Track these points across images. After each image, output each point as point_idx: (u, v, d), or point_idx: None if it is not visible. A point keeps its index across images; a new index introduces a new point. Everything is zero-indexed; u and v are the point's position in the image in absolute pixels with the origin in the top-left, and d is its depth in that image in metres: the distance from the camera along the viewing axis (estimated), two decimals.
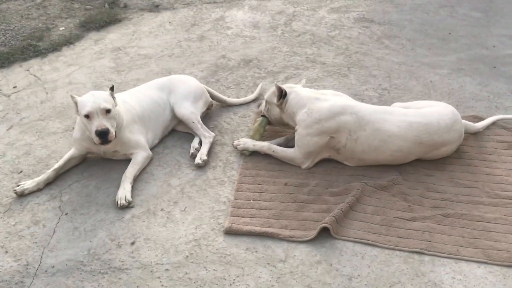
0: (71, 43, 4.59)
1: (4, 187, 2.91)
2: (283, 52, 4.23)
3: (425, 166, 2.87)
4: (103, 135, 2.72)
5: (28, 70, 4.18)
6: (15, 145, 3.26)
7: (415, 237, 2.45)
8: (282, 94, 2.94)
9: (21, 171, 3.02)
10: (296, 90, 2.96)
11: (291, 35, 4.52)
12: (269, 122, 3.14)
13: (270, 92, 3.05)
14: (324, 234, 2.47)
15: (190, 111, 3.19)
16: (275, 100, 2.98)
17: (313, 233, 2.46)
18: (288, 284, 2.25)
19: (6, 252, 2.48)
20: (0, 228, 2.62)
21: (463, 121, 2.97)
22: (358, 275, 2.28)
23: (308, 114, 2.81)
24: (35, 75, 4.09)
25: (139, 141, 2.99)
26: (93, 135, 2.73)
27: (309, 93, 2.93)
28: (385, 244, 2.42)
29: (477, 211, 2.58)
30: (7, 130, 3.42)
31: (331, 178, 2.84)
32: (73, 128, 3.36)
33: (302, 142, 2.85)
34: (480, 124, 3.13)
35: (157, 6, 5.28)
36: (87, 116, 2.73)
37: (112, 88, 2.86)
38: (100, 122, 2.72)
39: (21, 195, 2.81)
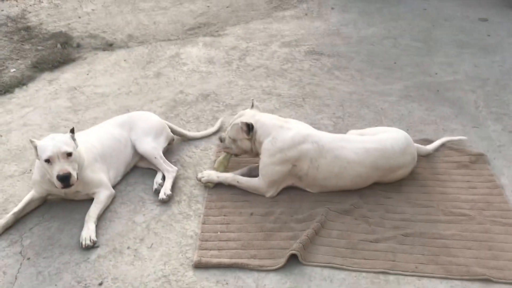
0: (23, 84, 4.51)
1: None
2: (239, 86, 4.34)
3: (383, 189, 3.00)
4: (65, 180, 2.68)
5: None
6: None
7: (379, 257, 2.54)
8: (249, 128, 2.99)
9: None
10: (260, 119, 3.02)
11: (246, 69, 4.65)
12: (233, 155, 3.19)
13: (234, 129, 3.06)
14: (292, 261, 2.52)
15: (152, 147, 3.20)
16: (243, 135, 3.02)
17: (282, 261, 2.51)
18: None
19: None
20: None
21: (415, 144, 3.14)
22: None
23: (272, 143, 2.89)
24: None
25: (101, 180, 2.96)
26: (55, 180, 2.69)
27: (274, 120, 3.00)
28: (352, 267, 2.49)
29: (434, 229, 2.71)
30: None
31: (295, 205, 2.91)
32: (31, 170, 3.31)
33: (266, 171, 2.92)
34: (430, 147, 3.32)
35: (111, 45, 5.30)
36: (47, 161, 2.69)
37: (72, 131, 2.84)
38: (61, 167, 2.68)
39: None
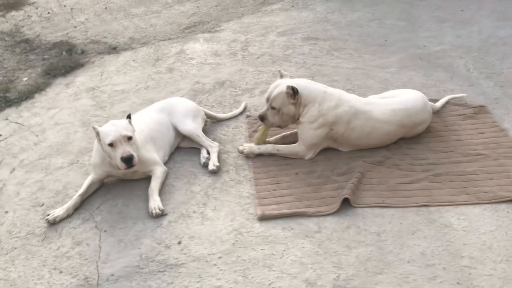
0: (41, 90, 4.69)
1: (32, 220, 2.99)
2: (250, 72, 4.66)
3: (405, 142, 3.39)
4: (128, 161, 2.93)
5: (7, 119, 4.23)
6: (25, 184, 3.34)
7: (418, 195, 2.92)
8: (294, 92, 3.16)
9: (42, 204, 3.12)
10: (300, 83, 3.22)
11: (251, 58, 4.98)
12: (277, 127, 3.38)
13: (280, 97, 3.20)
14: (345, 205, 2.86)
15: (193, 127, 3.48)
16: (289, 101, 3.18)
17: (336, 206, 2.85)
18: (329, 248, 2.60)
19: (61, 272, 2.59)
20: (45, 254, 2.72)
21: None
22: (384, 230, 2.69)
23: (318, 110, 3.17)
24: (16, 122, 4.15)
25: (155, 159, 3.22)
26: (118, 161, 2.94)
27: (314, 84, 3.27)
28: (397, 204, 2.86)
29: (458, 168, 3.11)
30: (10, 172, 3.48)
31: (333, 162, 3.26)
32: (78, 161, 3.53)
33: (306, 135, 3.24)
34: (438, 104, 3.74)
35: (115, 48, 5.52)
36: (110, 145, 2.93)
37: (129, 116, 3.09)
38: (124, 149, 2.93)
39: (53, 223, 2.92)
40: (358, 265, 2.48)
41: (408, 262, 2.48)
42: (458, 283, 2.34)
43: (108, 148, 2.95)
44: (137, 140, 3.08)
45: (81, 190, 3.08)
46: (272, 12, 6.23)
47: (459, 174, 3.05)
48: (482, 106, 3.73)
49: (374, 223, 2.74)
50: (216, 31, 5.79)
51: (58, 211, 2.96)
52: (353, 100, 3.27)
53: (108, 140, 2.93)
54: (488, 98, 3.88)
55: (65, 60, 5.24)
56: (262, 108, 3.99)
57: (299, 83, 3.26)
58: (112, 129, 2.95)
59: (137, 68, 4.99)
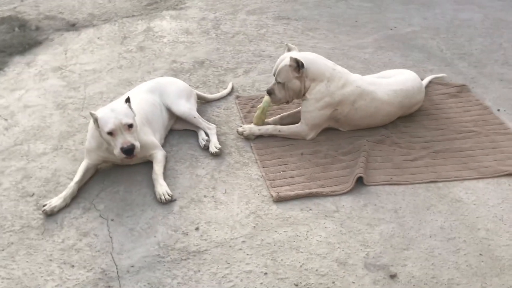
0: None
1: (24, 212, 2.72)
2: (228, 52, 4.52)
3: (400, 120, 3.44)
4: (129, 152, 2.74)
5: None
6: (6, 172, 3.03)
7: (424, 171, 2.99)
8: (299, 65, 3.08)
9: (33, 194, 2.84)
10: (308, 57, 3.13)
11: (226, 37, 4.83)
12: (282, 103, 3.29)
13: (284, 71, 3.11)
14: (356, 184, 2.87)
15: (188, 108, 3.32)
16: (293, 74, 3.08)
17: (349, 185, 2.85)
18: (352, 227, 2.60)
19: (72, 266, 2.39)
20: (49, 248, 2.49)
21: None
22: (400, 207, 2.73)
23: (326, 87, 3.12)
24: None
25: (154, 142, 3.04)
26: (118, 152, 2.74)
27: (323, 60, 3.19)
28: (406, 181, 2.91)
29: (455, 145, 3.22)
30: None
31: (335, 142, 3.25)
32: (62, 146, 3.25)
33: (310, 114, 3.19)
34: (423, 83, 3.84)
35: (74, 25, 5.13)
36: (110, 133, 2.73)
37: (128, 100, 2.87)
38: (124, 139, 2.73)
39: (51, 214, 2.68)
40: (384, 242, 2.51)
41: (430, 237, 2.54)
42: (480, 254, 2.44)
43: (108, 136, 2.74)
44: (137, 126, 2.88)
45: (76, 177, 2.84)
46: None
47: (457, 151, 3.16)
48: (463, 85, 3.89)
49: (389, 201, 2.78)
50: (181, 8, 5.55)
51: (55, 201, 2.71)
52: (359, 80, 3.26)
53: (107, 128, 2.71)
54: (466, 78, 4.05)
55: (19, 37, 4.80)
56: (250, 88, 3.94)
57: (307, 56, 3.18)
58: (112, 115, 2.73)
59: (104, 46, 4.67)
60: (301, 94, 3.22)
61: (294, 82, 3.15)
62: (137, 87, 3.43)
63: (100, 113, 2.75)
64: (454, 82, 3.95)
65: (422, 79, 3.88)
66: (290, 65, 3.10)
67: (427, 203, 2.75)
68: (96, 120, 2.74)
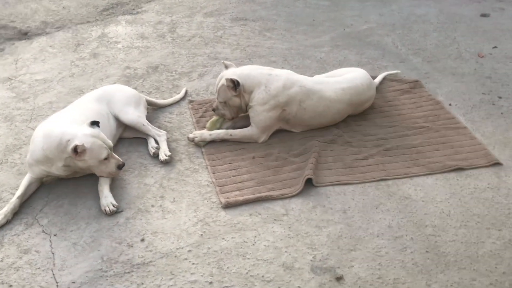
0: None
1: None
2: (183, 55, 4.46)
3: (352, 119, 3.45)
4: (122, 167, 2.82)
5: None
6: None
7: (374, 170, 2.99)
8: (235, 84, 3.13)
9: None
10: (243, 72, 3.19)
11: (182, 40, 4.77)
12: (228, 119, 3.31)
13: (222, 91, 3.16)
14: (307, 186, 2.85)
15: (137, 115, 3.26)
16: (231, 93, 3.14)
17: (299, 187, 2.82)
18: (300, 230, 2.57)
19: (10, 286, 2.30)
20: None
21: None
22: (349, 207, 2.72)
23: (265, 92, 3.12)
24: None
25: None
26: (114, 170, 2.78)
27: (259, 70, 3.22)
28: (356, 180, 2.90)
29: (406, 141, 3.23)
30: None
31: (287, 144, 3.23)
32: (7, 160, 3.17)
33: (259, 118, 3.17)
34: (376, 80, 3.84)
35: (26, 33, 5.00)
36: (105, 159, 2.72)
37: (96, 124, 2.81)
38: (116, 158, 2.80)
39: None
40: (331, 244, 2.49)
41: (378, 236, 2.54)
42: (427, 251, 2.44)
43: (98, 162, 2.71)
44: None
45: (18, 192, 2.75)
46: None
47: (408, 147, 3.17)
48: (416, 81, 3.91)
49: (338, 201, 2.76)
50: (137, 12, 5.47)
51: None
52: (303, 79, 3.25)
53: (104, 155, 2.70)
54: (420, 73, 4.07)
55: None
56: (204, 92, 3.89)
57: (242, 72, 3.21)
58: (100, 143, 2.70)
59: (56, 54, 4.56)
60: (244, 108, 3.26)
61: (234, 100, 3.21)
62: (84, 96, 3.35)
63: (86, 143, 2.64)
64: (408, 78, 3.97)
65: (375, 76, 3.91)
66: (227, 85, 3.15)
67: (376, 202, 2.75)
68: (84, 151, 2.63)
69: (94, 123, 2.79)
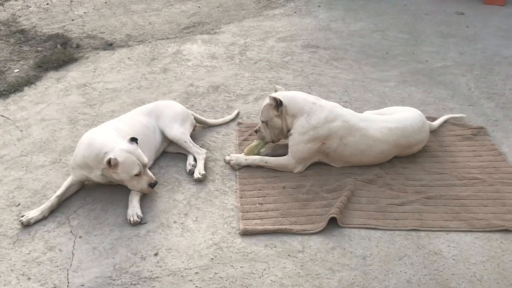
0: (31, 83, 4.56)
1: (5, 220, 2.87)
2: (245, 78, 4.54)
3: (399, 160, 3.27)
4: (154, 185, 2.93)
5: None
6: (3, 181, 3.21)
7: (408, 218, 2.80)
8: (278, 104, 3.12)
9: (19, 204, 2.99)
10: (289, 94, 3.18)
11: (249, 63, 4.86)
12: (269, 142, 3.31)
13: (264, 110, 3.18)
14: (331, 225, 2.74)
15: (181, 132, 3.37)
16: (273, 113, 3.14)
17: (322, 225, 2.73)
18: (312, 270, 2.48)
19: (29, 278, 2.47)
20: (15, 258, 2.60)
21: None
22: (370, 254, 2.57)
23: (306, 120, 3.08)
24: (2, 115, 4.03)
25: None
26: (146, 187, 2.91)
27: (304, 95, 3.19)
28: (386, 227, 2.74)
29: (452, 192, 2.99)
30: None
31: (323, 178, 3.14)
32: (61, 160, 3.41)
33: (297, 148, 3.12)
34: (436, 123, 3.62)
35: (111, 44, 5.41)
36: (136, 175, 2.86)
37: (135, 140, 2.93)
38: (149, 176, 2.92)
39: (27, 225, 2.80)
40: None
41: None
42: None
43: (130, 177, 2.86)
44: None
45: (59, 192, 2.96)
46: (274, 17, 6.11)
47: (453, 198, 2.93)
48: (481, 128, 3.62)
49: (360, 246, 2.62)
50: (215, 32, 5.67)
51: (33, 213, 2.84)
52: (348, 114, 3.15)
53: (135, 171, 2.85)
54: (488, 120, 3.76)
55: (59, 53, 5.12)
56: (255, 116, 3.92)
57: (287, 94, 3.20)
58: (134, 159, 2.84)
59: (131, 66, 4.87)
60: (285, 132, 3.22)
61: (275, 121, 3.18)
62: (138, 108, 3.53)
63: (119, 157, 2.79)
64: (472, 124, 3.69)
65: (436, 118, 3.68)
66: (270, 104, 3.14)
67: (401, 253, 2.57)
68: (117, 164, 2.79)
69: (133, 140, 2.92)
